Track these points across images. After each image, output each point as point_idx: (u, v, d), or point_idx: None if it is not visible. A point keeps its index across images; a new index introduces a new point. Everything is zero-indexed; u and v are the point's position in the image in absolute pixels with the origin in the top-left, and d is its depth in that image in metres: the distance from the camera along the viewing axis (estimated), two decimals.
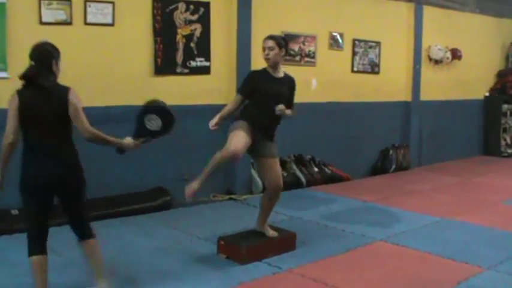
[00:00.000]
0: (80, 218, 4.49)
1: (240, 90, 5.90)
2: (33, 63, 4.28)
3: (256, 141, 5.70)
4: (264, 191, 6.14)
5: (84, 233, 4.48)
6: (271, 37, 5.75)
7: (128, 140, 4.48)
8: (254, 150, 5.79)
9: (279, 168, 5.89)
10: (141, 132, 4.59)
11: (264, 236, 5.94)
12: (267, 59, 5.72)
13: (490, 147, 13.92)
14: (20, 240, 6.01)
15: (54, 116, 4.15)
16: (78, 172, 4.33)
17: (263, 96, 5.65)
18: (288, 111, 5.71)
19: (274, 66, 5.76)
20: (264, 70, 5.82)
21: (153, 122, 4.60)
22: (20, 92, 4.24)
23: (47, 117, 4.14)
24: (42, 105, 4.14)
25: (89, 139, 4.20)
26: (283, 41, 5.79)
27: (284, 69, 5.93)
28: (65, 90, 4.20)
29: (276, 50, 5.65)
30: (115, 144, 4.42)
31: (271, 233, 5.95)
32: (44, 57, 4.30)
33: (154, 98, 4.95)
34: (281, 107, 5.61)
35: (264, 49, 5.71)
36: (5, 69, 6.55)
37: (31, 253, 4.35)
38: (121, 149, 4.50)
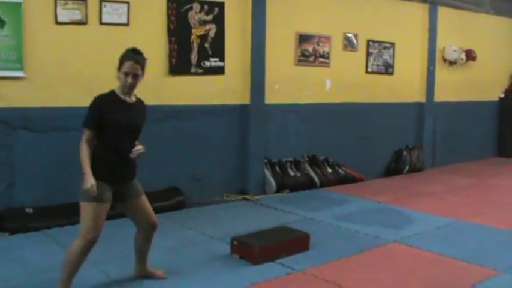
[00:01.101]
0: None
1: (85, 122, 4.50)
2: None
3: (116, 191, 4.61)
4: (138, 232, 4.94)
5: None
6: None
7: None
8: (118, 199, 4.66)
9: (148, 203, 4.88)
10: None
11: (277, 236, 5.94)
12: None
13: (505, 149, 13.83)
14: (34, 239, 6.09)
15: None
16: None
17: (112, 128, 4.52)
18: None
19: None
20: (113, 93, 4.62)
21: None
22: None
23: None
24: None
25: None
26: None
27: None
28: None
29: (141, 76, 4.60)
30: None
31: (159, 273, 5.06)
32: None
33: None
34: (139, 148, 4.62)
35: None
36: (21, 69, 6.59)
37: None
38: None
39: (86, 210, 4.36)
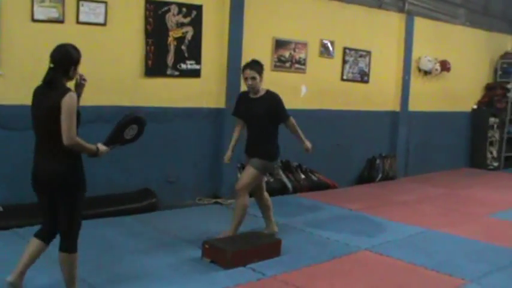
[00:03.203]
0: (60, 226, 4.42)
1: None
2: (52, 65, 4.28)
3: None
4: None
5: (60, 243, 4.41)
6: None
7: (102, 148, 4.42)
8: None
9: (247, 172, 6.41)
10: (116, 140, 4.59)
11: (249, 241, 5.95)
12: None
13: (477, 160, 13.99)
14: (4, 238, 6.01)
15: (44, 119, 4.22)
16: (61, 176, 4.25)
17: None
18: None
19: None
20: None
21: (131, 131, 4.65)
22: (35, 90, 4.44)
23: (42, 121, 4.26)
24: (42, 108, 4.26)
25: (69, 146, 4.12)
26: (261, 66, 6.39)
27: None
28: (61, 94, 4.15)
29: (258, 78, 6.30)
30: (91, 152, 4.34)
31: None
32: (61, 61, 4.28)
33: (131, 111, 4.94)
34: None
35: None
36: None
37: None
38: (95, 155, 4.45)
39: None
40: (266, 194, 6.77)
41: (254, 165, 6.30)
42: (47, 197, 4.38)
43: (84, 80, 4.55)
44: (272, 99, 6.38)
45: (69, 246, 4.34)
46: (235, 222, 6.37)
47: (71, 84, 4.40)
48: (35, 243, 4.48)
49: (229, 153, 6.62)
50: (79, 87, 4.53)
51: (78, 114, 4.21)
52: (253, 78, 6.23)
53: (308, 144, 6.62)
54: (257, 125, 6.36)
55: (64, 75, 4.28)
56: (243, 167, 8.91)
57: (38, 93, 4.34)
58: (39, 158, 4.30)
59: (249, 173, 6.32)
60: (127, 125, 4.62)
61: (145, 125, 4.75)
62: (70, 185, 4.27)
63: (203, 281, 5.14)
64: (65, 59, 4.27)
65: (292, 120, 6.51)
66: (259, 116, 6.30)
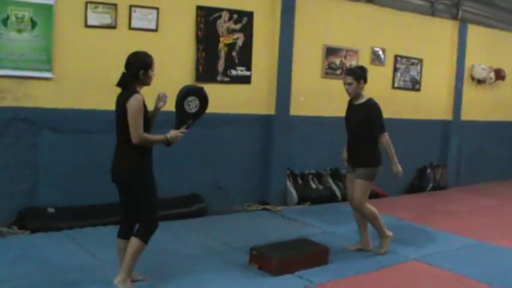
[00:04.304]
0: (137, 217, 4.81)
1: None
2: (124, 71, 4.67)
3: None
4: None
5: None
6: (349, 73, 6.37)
7: (172, 133, 4.73)
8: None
9: (357, 188, 6.23)
10: (183, 119, 4.78)
11: (297, 248, 5.91)
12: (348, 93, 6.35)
13: None
14: (55, 239, 6.13)
15: (117, 119, 4.64)
16: (128, 174, 4.66)
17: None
18: None
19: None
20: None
21: (192, 104, 4.81)
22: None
23: (116, 121, 4.67)
24: (116, 110, 4.66)
25: (138, 144, 4.52)
26: (360, 72, 6.30)
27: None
28: (127, 97, 4.53)
29: (355, 84, 6.21)
30: (162, 141, 4.69)
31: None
32: (131, 66, 4.65)
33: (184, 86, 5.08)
34: None
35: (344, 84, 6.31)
36: (49, 70, 6.66)
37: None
38: (168, 143, 4.73)
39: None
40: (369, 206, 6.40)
41: (361, 176, 6.18)
42: (121, 192, 4.79)
43: (165, 96, 4.91)
44: (371, 108, 6.23)
45: (143, 235, 4.71)
46: (378, 228, 6.44)
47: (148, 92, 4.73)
48: (120, 242, 4.89)
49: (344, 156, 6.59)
50: (160, 100, 4.91)
51: (147, 115, 4.62)
52: (350, 84, 6.20)
53: (398, 167, 6.30)
54: (357, 133, 6.27)
55: (135, 79, 4.62)
56: (291, 174, 8.94)
57: (118, 97, 4.67)
58: (114, 156, 4.74)
59: (358, 187, 6.18)
60: (183, 99, 4.75)
61: (203, 93, 4.89)
62: (136, 181, 4.65)
63: (250, 287, 5.12)
64: (133, 63, 4.65)
65: (387, 136, 6.23)
66: (358, 123, 6.23)
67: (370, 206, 6.30)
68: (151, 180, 4.73)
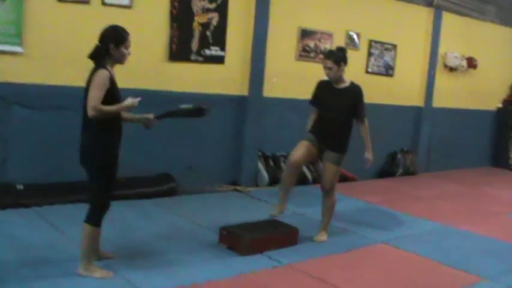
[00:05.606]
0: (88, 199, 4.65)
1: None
2: (98, 43, 4.54)
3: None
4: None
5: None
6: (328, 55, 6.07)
7: (147, 116, 4.77)
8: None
9: (329, 171, 6.17)
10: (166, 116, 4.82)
11: (266, 229, 5.95)
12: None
13: (499, 159, 13.85)
14: (24, 216, 6.08)
15: (84, 96, 4.40)
16: (90, 153, 4.51)
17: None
18: None
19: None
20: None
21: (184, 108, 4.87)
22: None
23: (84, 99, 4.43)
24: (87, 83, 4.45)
25: (94, 117, 4.30)
26: (340, 54, 6.02)
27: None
28: (94, 72, 4.40)
29: (335, 68, 5.94)
30: (122, 110, 4.55)
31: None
32: (103, 38, 4.52)
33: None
34: None
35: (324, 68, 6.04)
36: (19, 44, 6.55)
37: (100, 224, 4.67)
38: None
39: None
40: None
41: (333, 161, 6.11)
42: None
43: (135, 102, 4.58)
44: (358, 93, 6.10)
45: (91, 218, 4.57)
46: (328, 220, 6.36)
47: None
48: None
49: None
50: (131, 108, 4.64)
51: (115, 92, 4.46)
52: (330, 68, 5.92)
53: (370, 155, 6.27)
54: (339, 117, 6.07)
55: (106, 53, 4.48)
56: (263, 156, 8.96)
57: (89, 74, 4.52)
58: (80, 136, 4.56)
59: (331, 171, 6.14)
60: (185, 114, 4.78)
61: (201, 113, 4.98)
62: (95, 160, 4.51)
63: (219, 267, 5.15)
64: (106, 36, 4.51)
65: (367, 122, 6.24)
66: (344, 108, 6.04)
67: (336, 195, 6.36)
68: (110, 162, 4.56)
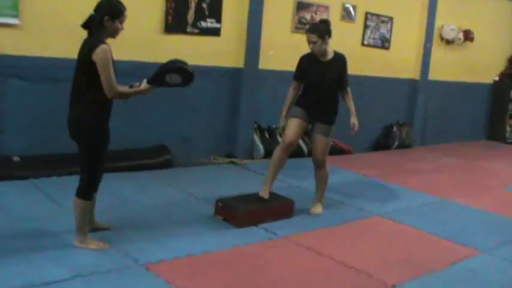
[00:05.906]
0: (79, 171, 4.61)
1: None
2: (93, 13, 4.46)
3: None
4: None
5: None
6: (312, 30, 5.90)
7: (145, 86, 4.61)
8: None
9: (321, 144, 6.17)
10: (158, 82, 4.69)
11: (262, 201, 5.94)
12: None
13: (495, 133, 13.87)
14: (20, 187, 6.08)
15: (77, 67, 4.40)
16: (80, 126, 4.45)
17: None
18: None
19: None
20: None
21: (173, 79, 4.70)
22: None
23: (76, 70, 4.42)
24: (78, 57, 4.41)
25: (112, 97, 4.38)
26: (323, 27, 5.91)
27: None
28: (92, 47, 4.30)
29: (319, 42, 5.83)
30: (137, 94, 4.60)
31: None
32: (98, 9, 4.43)
33: (177, 59, 4.94)
34: None
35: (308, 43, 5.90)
36: (16, 16, 6.49)
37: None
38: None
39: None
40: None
41: (324, 133, 6.12)
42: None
43: (134, 85, 4.63)
44: (343, 63, 6.11)
45: (80, 191, 4.53)
46: (322, 192, 6.39)
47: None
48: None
49: (284, 117, 6.26)
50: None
51: (113, 65, 4.39)
52: (314, 42, 5.82)
53: (355, 120, 6.32)
54: (328, 89, 6.09)
55: (100, 25, 4.39)
56: (259, 128, 8.95)
57: (82, 44, 4.46)
58: (69, 107, 4.49)
59: (323, 143, 6.15)
60: (168, 71, 4.66)
61: (189, 78, 4.81)
62: (85, 133, 4.45)
63: (214, 239, 5.17)
64: (101, 7, 4.43)
65: (349, 90, 6.26)
66: (333, 79, 6.05)
67: (328, 167, 6.37)
68: (101, 135, 4.50)
